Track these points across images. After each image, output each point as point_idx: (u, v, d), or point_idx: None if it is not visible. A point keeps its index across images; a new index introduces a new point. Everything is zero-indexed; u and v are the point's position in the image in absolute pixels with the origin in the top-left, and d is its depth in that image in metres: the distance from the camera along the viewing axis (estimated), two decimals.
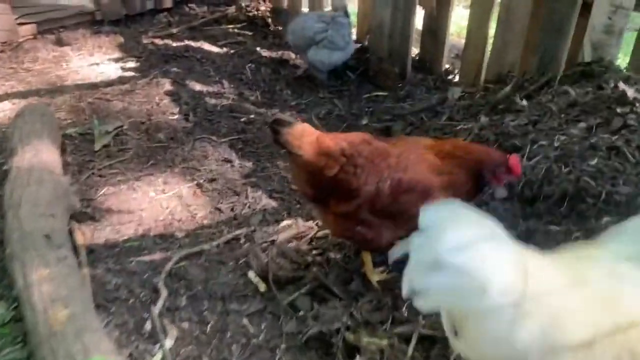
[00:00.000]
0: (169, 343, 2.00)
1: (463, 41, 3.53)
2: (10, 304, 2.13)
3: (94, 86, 3.83)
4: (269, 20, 4.85)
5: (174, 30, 4.67)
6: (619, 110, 1.95)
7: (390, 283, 2.06)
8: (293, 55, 4.30)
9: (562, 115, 2.13)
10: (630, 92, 1.99)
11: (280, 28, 4.63)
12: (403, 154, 1.89)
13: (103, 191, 2.82)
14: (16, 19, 4.39)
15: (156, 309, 2.12)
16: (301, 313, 2.10)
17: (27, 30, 4.49)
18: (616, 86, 2.10)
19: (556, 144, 1.90)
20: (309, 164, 1.91)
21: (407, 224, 1.96)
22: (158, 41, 4.48)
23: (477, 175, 1.84)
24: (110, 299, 2.18)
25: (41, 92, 3.73)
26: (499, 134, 2.22)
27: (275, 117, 1.96)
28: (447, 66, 3.74)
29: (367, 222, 1.97)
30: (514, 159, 1.80)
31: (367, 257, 2.12)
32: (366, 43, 4.14)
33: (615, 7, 2.44)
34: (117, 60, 4.20)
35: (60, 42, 4.44)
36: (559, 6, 2.68)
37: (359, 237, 2.00)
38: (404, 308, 1.90)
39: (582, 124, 1.97)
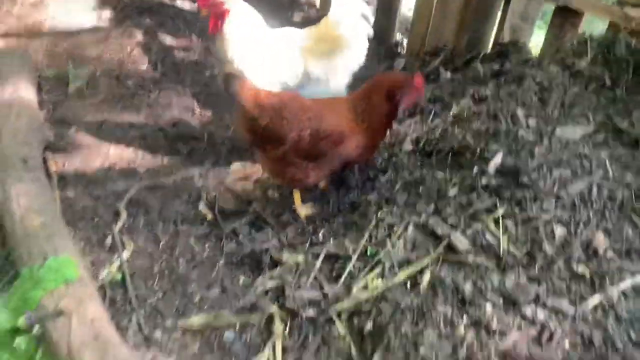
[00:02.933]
0: (125, 255, 2.39)
1: None
2: None
3: (70, 34, 4.08)
4: None
5: None
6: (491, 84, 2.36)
7: (313, 216, 2.49)
8: None
9: (468, 87, 2.54)
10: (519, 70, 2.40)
11: None
12: (323, 108, 2.28)
13: (75, 128, 3.15)
14: None
15: (116, 228, 2.51)
16: (240, 237, 2.52)
17: None
18: (514, 65, 2.51)
19: (455, 109, 2.30)
20: (247, 113, 2.29)
21: (328, 165, 2.37)
22: None
23: (391, 99, 2.16)
24: (77, 218, 2.55)
25: (19, 35, 3.98)
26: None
27: (228, 72, 2.34)
28: (397, 38, 4.11)
29: (295, 164, 2.36)
30: (418, 79, 2.14)
31: (297, 195, 2.53)
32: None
33: None
34: (94, 9, 4.43)
35: None
36: None
37: (290, 176, 2.40)
38: (320, 234, 2.33)
39: (470, 95, 2.38)
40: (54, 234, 2.14)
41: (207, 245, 2.51)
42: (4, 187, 2.34)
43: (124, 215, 2.59)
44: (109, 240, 2.47)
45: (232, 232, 2.56)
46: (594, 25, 2.97)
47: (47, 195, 2.39)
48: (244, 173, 2.92)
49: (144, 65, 3.80)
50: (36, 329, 1.89)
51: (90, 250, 2.40)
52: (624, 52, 2.29)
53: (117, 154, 3.04)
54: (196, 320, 2.14)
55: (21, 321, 1.90)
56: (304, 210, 2.53)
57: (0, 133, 2.63)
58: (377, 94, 2.22)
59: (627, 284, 1.66)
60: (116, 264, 2.34)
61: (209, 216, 2.66)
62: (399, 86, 2.19)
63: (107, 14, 4.37)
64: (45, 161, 2.77)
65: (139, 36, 4.09)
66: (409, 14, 4.11)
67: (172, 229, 2.58)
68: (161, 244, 2.50)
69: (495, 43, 3.16)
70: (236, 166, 2.99)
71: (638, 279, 1.66)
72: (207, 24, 3.11)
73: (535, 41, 3.16)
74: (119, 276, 2.29)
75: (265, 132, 2.29)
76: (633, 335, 1.57)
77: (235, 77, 2.32)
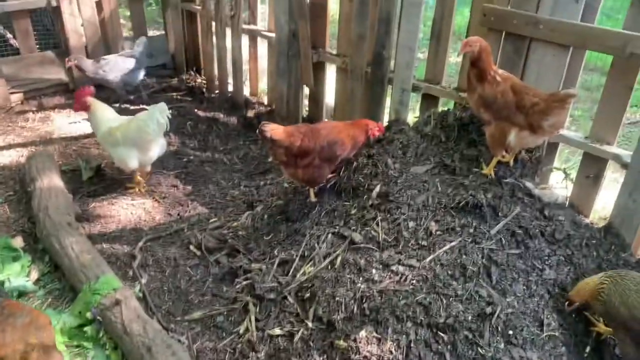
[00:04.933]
0: (143, 281, 3.52)
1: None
2: (45, 263, 3.61)
3: (75, 138, 5.33)
4: (204, 89, 6.55)
5: (131, 97, 6.25)
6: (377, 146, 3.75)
7: (272, 240, 3.70)
8: (222, 115, 5.99)
9: (363, 149, 3.89)
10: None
11: (212, 95, 6.35)
12: (327, 127, 3.58)
13: (92, 205, 4.32)
14: (8, 89, 5.85)
15: (135, 264, 3.64)
16: (220, 264, 3.69)
17: (16, 97, 5.94)
18: (391, 133, 3.90)
19: (354, 164, 3.64)
20: (283, 142, 3.45)
21: (335, 162, 3.60)
22: (120, 105, 6.04)
23: (365, 132, 3.60)
24: (107, 261, 3.67)
25: (36, 142, 5.21)
26: None
27: (262, 123, 3.51)
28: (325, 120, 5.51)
29: (318, 166, 3.52)
30: (379, 125, 3.70)
31: (312, 191, 3.74)
32: (274, 106, 5.88)
33: (402, 90, 4.29)
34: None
35: (42, 106, 5.93)
36: (377, 89, 4.52)
37: (315, 175, 3.55)
38: (275, 251, 3.53)
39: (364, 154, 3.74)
40: (100, 264, 3.29)
41: (198, 271, 3.67)
42: (59, 240, 3.48)
43: (138, 257, 3.73)
44: (130, 273, 3.60)
45: (215, 260, 3.73)
46: (450, 103, 4.40)
47: (89, 244, 3.53)
48: (219, 224, 4.13)
49: None
50: (97, 320, 2.99)
51: (119, 279, 3.51)
52: (452, 120, 3.72)
53: (126, 220, 4.20)
54: (197, 314, 3.27)
55: (88, 314, 3.00)
56: (314, 197, 3.75)
57: (47, 208, 3.79)
58: (357, 130, 3.62)
59: (447, 247, 2.93)
60: (138, 287, 3.46)
61: (198, 253, 3.82)
62: (369, 128, 3.65)
63: None
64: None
65: None
66: (331, 103, 5.56)
67: (173, 263, 3.73)
68: (166, 272, 3.65)
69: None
70: (213, 220, 4.20)
71: (452, 244, 2.93)
72: (173, 124, 4.51)
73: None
74: (140, 294, 3.41)
75: (299, 149, 3.45)
76: (449, 272, 2.82)
77: (267, 124, 3.50)
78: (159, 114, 4.13)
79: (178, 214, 4.33)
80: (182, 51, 6.76)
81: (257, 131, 3.52)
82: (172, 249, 3.89)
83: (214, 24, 5.98)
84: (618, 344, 2.76)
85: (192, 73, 6.85)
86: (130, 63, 5.70)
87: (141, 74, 5.86)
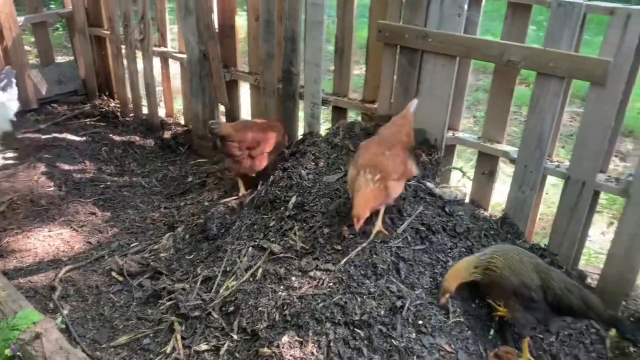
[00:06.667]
0: (65, 312, 3.48)
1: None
2: None
3: None
4: (118, 113, 6.48)
5: (42, 126, 6.07)
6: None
7: (196, 258, 3.76)
8: (138, 138, 5.95)
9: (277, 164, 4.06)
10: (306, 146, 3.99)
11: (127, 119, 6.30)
12: (259, 124, 4.15)
13: (6, 240, 4.19)
14: None
15: (55, 296, 3.58)
16: (144, 287, 3.70)
17: None
18: (305, 146, 4.10)
19: (272, 178, 3.81)
20: (230, 135, 3.95)
21: (267, 156, 4.17)
22: (30, 135, 5.84)
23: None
24: (25, 296, 3.59)
25: None
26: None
27: (211, 122, 4.02)
28: None
29: (255, 156, 4.10)
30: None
31: (241, 183, 4.14)
32: (190, 126, 5.93)
33: (313, 104, 4.50)
34: None
35: None
36: (289, 104, 4.70)
37: (251, 165, 4.12)
38: (198, 269, 3.60)
39: (279, 168, 3.92)
40: (18, 299, 3.22)
41: (122, 297, 3.67)
42: None
43: (59, 288, 3.68)
44: (51, 305, 3.54)
45: (139, 284, 3.74)
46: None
47: (5, 280, 3.44)
48: (140, 248, 4.13)
49: (50, 188, 4.93)
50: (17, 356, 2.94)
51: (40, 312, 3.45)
52: (359, 130, 3.97)
53: (43, 252, 4.11)
54: (123, 339, 3.28)
55: (7, 351, 2.94)
56: (242, 191, 4.14)
57: None
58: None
59: (358, 249, 3.14)
60: (60, 318, 3.42)
61: (120, 278, 3.82)
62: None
63: (11, 154, 5.46)
64: None
65: (42, 167, 5.21)
66: (247, 119, 5.68)
67: (95, 291, 3.71)
68: (89, 301, 3.62)
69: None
70: (133, 245, 4.20)
71: (363, 245, 3.14)
72: (88, 150, 4.43)
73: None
74: (62, 325, 3.37)
75: (253, 140, 4.09)
76: (362, 272, 3.02)
77: (215, 123, 4.04)
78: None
79: (98, 242, 4.29)
80: (93, 76, 6.65)
81: (207, 130, 4.19)
82: (94, 277, 3.86)
83: (123, 47, 5.96)
84: (509, 311, 3.00)
85: (105, 98, 6.76)
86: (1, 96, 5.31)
87: (16, 106, 5.45)
